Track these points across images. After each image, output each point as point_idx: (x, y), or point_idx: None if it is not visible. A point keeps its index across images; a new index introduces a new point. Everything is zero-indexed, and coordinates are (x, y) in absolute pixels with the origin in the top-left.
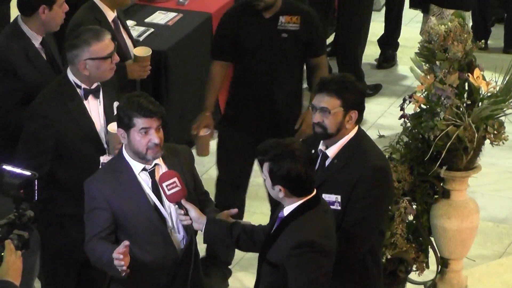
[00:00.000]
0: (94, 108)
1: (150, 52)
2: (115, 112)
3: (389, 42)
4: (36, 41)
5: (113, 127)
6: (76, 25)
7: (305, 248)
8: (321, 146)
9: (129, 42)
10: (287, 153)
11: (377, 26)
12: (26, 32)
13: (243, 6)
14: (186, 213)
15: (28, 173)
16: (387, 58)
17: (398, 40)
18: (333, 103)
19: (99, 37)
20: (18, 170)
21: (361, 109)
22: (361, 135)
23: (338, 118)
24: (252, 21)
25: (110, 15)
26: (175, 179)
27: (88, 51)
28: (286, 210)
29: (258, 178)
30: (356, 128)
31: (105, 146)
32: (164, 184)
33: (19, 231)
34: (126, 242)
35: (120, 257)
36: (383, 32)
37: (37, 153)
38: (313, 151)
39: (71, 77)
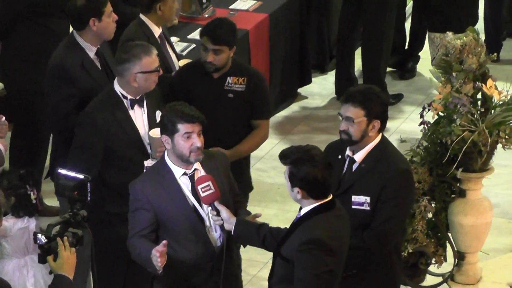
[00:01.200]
0: (139, 116)
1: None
2: (158, 120)
3: (411, 55)
4: (91, 52)
5: (155, 132)
6: (127, 40)
7: (312, 245)
8: (348, 152)
9: (173, 56)
10: (307, 158)
11: None
12: (81, 43)
13: (195, 65)
14: (218, 214)
15: (81, 176)
16: (410, 70)
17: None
18: (357, 113)
19: (148, 52)
20: (72, 174)
21: (384, 119)
22: (385, 142)
23: (362, 126)
24: (202, 80)
25: (157, 31)
26: (209, 182)
27: (139, 65)
28: (303, 211)
29: None
30: (380, 135)
31: (149, 151)
32: (199, 187)
33: (74, 229)
34: (165, 241)
35: (157, 254)
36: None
37: (88, 157)
38: (339, 156)
39: (118, 88)
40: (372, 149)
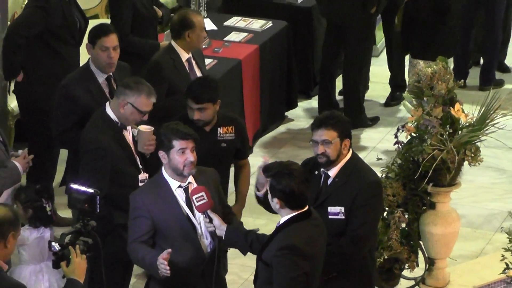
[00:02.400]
0: (128, 136)
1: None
2: (138, 132)
3: (397, 84)
4: (101, 77)
5: (144, 127)
6: (154, 62)
7: (288, 251)
8: (323, 168)
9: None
10: (286, 172)
11: (376, 69)
12: (92, 69)
13: (186, 122)
14: (211, 221)
15: (91, 190)
16: (395, 98)
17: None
18: (331, 135)
19: (149, 95)
20: (83, 188)
21: (351, 137)
22: (355, 157)
23: (337, 146)
24: (197, 133)
25: (184, 55)
26: (203, 193)
27: (135, 98)
28: (282, 220)
29: None
30: (350, 152)
31: (140, 166)
32: (194, 197)
33: (84, 238)
34: (169, 250)
35: (165, 262)
36: (381, 74)
37: (98, 179)
38: (316, 172)
39: (109, 111)
40: (344, 165)
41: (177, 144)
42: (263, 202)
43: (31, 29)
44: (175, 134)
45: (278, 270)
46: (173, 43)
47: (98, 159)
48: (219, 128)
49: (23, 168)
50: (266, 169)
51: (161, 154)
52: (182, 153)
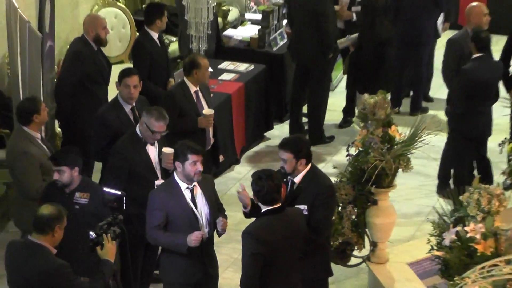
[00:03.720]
0: (152, 151)
1: (213, 112)
2: (162, 152)
3: (349, 112)
4: (127, 107)
5: (166, 149)
6: (169, 92)
7: (246, 234)
8: (289, 176)
9: (205, 106)
10: (263, 176)
11: (332, 100)
12: (120, 101)
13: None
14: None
15: (119, 193)
16: (347, 122)
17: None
18: (288, 155)
19: (159, 119)
20: (113, 191)
21: (308, 156)
22: (314, 167)
23: (292, 164)
24: (56, 194)
25: (193, 88)
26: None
27: (149, 119)
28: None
29: None
30: (310, 164)
31: (158, 174)
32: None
33: (114, 228)
34: (201, 232)
35: (199, 235)
36: (336, 103)
37: (117, 177)
38: (285, 179)
39: (137, 130)
40: (305, 173)
41: (191, 157)
42: (249, 216)
43: (73, 77)
44: (190, 149)
45: (242, 247)
46: (185, 78)
47: (117, 162)
48: (77, 192)
49: None
50: (253, 174)
51: (177, 163)
52: (194, 164)
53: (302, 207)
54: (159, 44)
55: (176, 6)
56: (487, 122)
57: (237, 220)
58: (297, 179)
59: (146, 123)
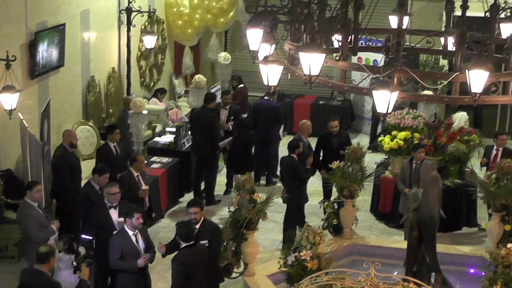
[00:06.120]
0: (113, 213)
1: (147, 187)
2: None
3: (229, 185)
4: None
5: (119, 220)
6: (122, 178)
7: (175, 260)
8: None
9: (143, 184)
10: (184, 224)
11: (219, 179)
12: (95, 185)
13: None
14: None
15: (90, 237)
16: (228, 191)
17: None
18: (197, 209)
19: (109, 188)
20: (87, 237)
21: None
22: (206, 218)
23: (200, 214)
24: None
25: (135, 173)
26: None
27: (107, 189)
28: (181, 247)
29: None
30: (203, 216)
31: (116, 227)
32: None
33: (88, 259)
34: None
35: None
36: (222, 180)
37: (93, 229)
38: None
39: (105, 200)
40: (202, 223)
41: (136, 215)
42: (165, 256)
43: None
44: (135, 210)
45: (171, 268)
46: (130, 168)
47: (92, 222)
48: None
49: (56, 228)
50: (177, 224)
51: (127, 219)
52: (137, 219)
53: (204, 242)
54: (113, 149)
55: (117, 123)
56: (304, 193)
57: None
58: (197, 226)
59: (107, 191)
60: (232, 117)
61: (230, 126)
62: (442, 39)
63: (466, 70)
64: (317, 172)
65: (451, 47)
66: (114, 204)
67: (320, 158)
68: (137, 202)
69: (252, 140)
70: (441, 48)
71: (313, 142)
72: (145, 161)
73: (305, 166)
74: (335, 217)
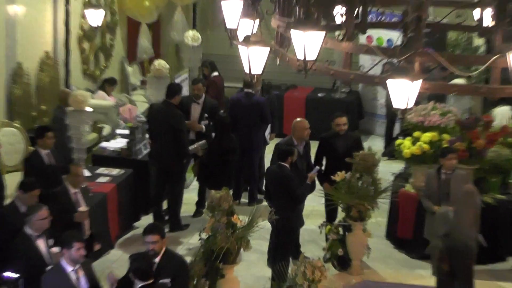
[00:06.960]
0: (41, 243)
1: (87, 209)
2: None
3: (200, 204)
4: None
5: (54, 250)
6: (52, 196)
7: None
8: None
9: (83, 204)
10: (141, 257)
11: (187, 196)
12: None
13: None
14: None
15: (15, 275)
16: (199, 212)
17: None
18: (156, 238)
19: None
20: (12, 275)
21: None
22: (168, 249)
23: (160, 244)
24: None
25: (73, 190)
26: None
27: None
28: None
29: None
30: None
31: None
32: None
33: None
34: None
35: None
36: (191, 198)
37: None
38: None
39: (29, 231)
40: (163, 256)
41: (76, 244)
42: None
43: None
44: (74, 238)
45: None
46: (65, 181)
47: (16, 257)
48: None
49: None
50: (130, 257)
51: (64, 250)
52: (78, 250)
53: (166, 280)
54: (45, 158)
55: (52, 124)
56: (299, 214)
57: None
58: (157, 259)
59: (33, 217)
60: (206, 115)
61: (204, 126)
62: (476, 12)
63: (508, 53)
64: (318, 186)
65: (488, 22)
66: (41, 233)
67: (323, 167)
68: (72, 229)
69: (234, 146)
70: (475, 24)
71: (313, 146)
72: (89, 174)
73: (302, 179)
74: (340, 246)
